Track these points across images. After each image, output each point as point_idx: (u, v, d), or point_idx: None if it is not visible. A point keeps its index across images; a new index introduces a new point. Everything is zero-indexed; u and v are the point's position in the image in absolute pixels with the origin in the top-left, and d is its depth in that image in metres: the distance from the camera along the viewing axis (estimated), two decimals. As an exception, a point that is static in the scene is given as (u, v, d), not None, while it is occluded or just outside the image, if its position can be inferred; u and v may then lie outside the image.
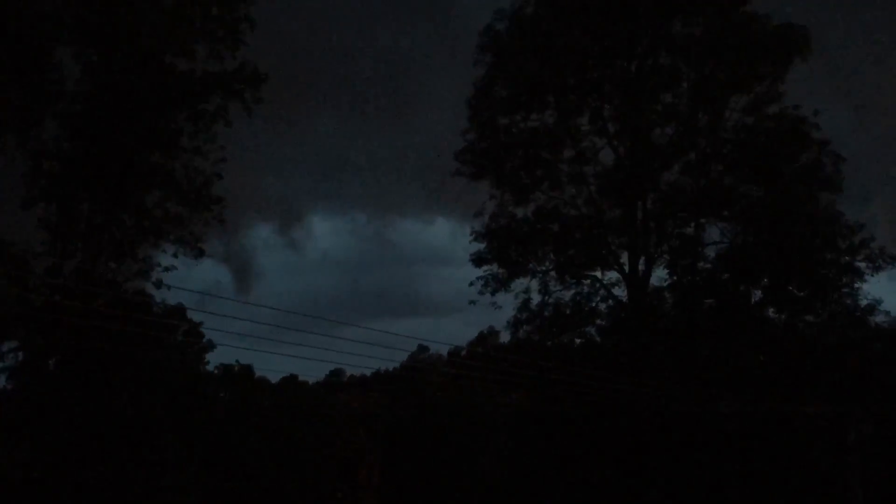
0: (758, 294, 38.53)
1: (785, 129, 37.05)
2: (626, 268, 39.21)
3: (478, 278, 39.54)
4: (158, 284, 34.84)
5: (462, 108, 39.95)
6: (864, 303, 36.88)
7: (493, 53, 39.52)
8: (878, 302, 36.92)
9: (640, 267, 39.00)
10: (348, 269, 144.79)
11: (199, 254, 35.58)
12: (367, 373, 72.26)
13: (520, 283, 39.67)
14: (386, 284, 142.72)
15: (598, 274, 39.80)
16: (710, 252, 38.93)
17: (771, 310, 38.54)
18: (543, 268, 40.03)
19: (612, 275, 39.66)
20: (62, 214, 33.10)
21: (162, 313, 37.50)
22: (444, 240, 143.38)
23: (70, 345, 34.23)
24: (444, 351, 68.72)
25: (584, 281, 39.92)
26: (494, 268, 39.77)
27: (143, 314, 33.42)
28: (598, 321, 40.24)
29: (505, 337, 44.51)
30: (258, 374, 65.17)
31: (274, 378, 67.43)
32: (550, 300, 39.81)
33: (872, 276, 36.58)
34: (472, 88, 39.72)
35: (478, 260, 39.81)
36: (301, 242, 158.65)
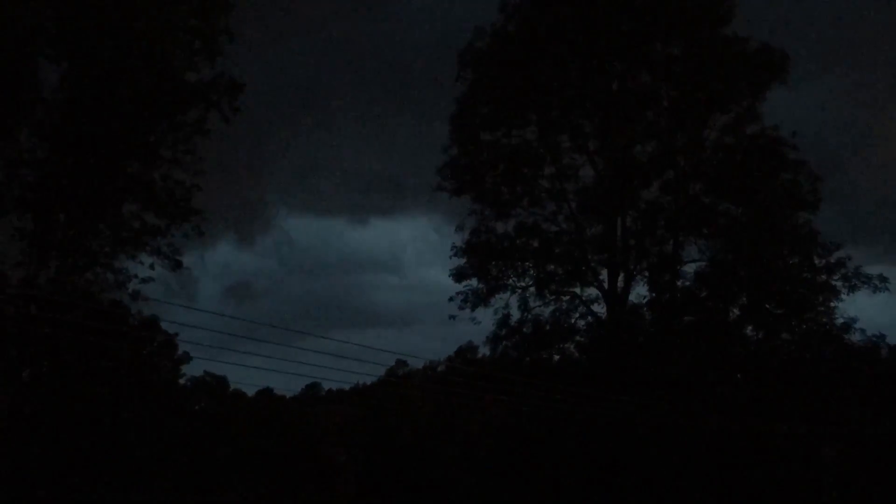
0: (735, 312, 38.75)
1: (763, 149, 37.36)
2: (606, 284, 39.27)
3: (457, 293, 39.62)
4: (135, 296, 34.46)
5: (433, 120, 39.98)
6: (839, 321, 37.16)
7: (474, 70, 39.56)
8: (854, 320, 37.23)
9: (620, 284, 39.08)
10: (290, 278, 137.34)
11: (177, 266, 35.24)
12: (340, 385, 71.91)
13: (500, 299, 39.71)
14: (331, 293, 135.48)
15: (578, 290, 39.86)
16: (689, 269, 39.17)
17: (748, 328, 38.77)
18: (523, 283, 40.04)
19: (592, 291, 39.77)
20: (37, 224, 32.62)
21: (137, 325, 37.09)
22: (385, 245, 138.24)
23: (44, 356, 33.83)
24: (420, 365, 68.46)
25: (563, 297, 39.92)
26: (474, 283, 39.79)
27: (117, 326, 33.04)
28: (578, 337, 40.28)
29: (484, 352, 44.40)
30: (233, 386, 64.87)
31: (249, 391, 67.04)
32: (530, 316, 39.79)
33: (848, 295, 36.93)
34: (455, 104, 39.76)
35: (458, 275, 39.82)
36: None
